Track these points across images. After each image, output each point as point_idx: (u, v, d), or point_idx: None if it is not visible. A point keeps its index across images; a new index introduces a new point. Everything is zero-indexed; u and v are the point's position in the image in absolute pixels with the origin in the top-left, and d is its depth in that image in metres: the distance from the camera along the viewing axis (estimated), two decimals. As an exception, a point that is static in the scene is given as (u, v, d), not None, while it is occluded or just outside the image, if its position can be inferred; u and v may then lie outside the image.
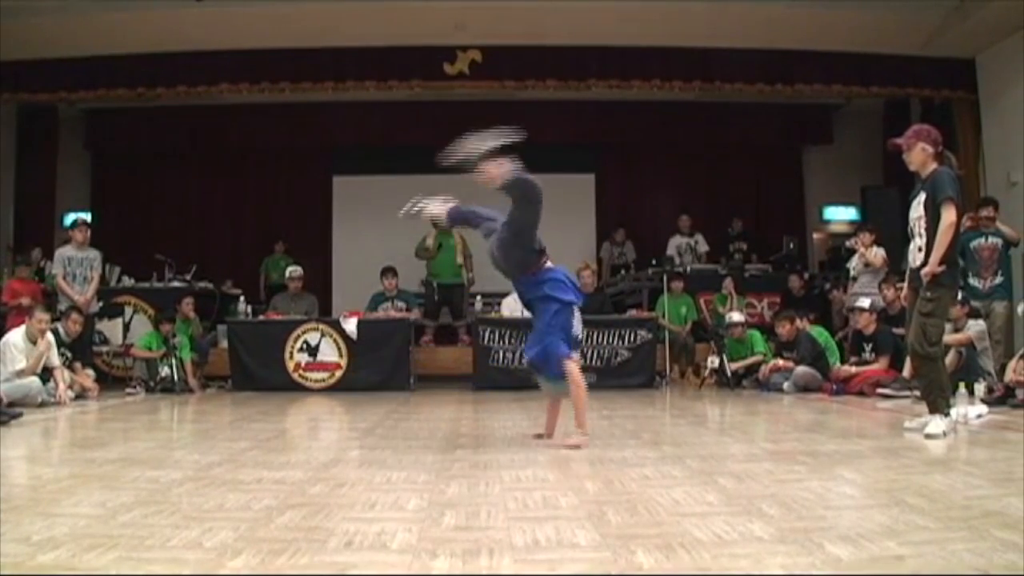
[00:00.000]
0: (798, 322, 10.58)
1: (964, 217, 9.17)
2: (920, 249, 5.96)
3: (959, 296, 5.80)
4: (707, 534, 2.92)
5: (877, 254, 10.64)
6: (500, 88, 13.10)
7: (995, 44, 12.19)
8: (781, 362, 10.34)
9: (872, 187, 14.78)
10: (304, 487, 3.91)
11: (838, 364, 10.01)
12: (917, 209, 5.99)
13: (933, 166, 5.94)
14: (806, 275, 13.42)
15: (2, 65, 12.16)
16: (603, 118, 15.46)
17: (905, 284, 6.28)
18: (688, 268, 13.53)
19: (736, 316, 11.42)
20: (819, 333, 10.60)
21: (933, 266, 5.71)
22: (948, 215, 5.70)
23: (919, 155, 6.00)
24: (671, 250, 14.27)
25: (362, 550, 2.78)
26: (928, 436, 5.59)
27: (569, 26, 11.96)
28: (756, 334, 11.22)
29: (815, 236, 16.32)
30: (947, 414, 5.78)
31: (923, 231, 5.93)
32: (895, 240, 13.04)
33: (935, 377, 5.89)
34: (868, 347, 9.66)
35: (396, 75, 12.71)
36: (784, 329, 10.60)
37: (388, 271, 12.13)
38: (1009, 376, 7.84)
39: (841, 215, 16.15)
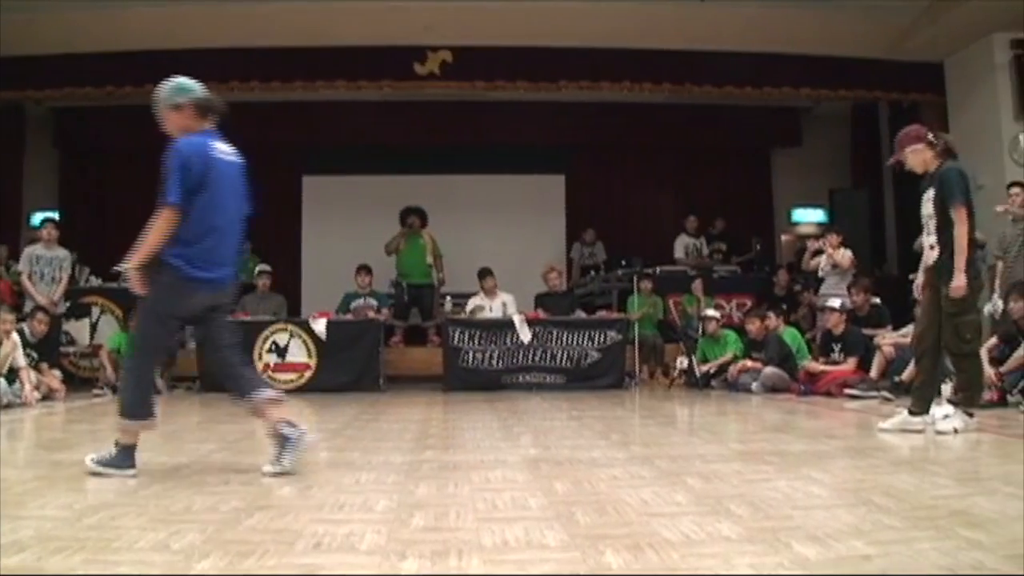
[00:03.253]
0: (770, 321, 10.64)
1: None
2: (932, 247, 5.99)
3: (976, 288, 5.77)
4: (676, 534, 2.93)
5: (845, 255, 10.71)
6: (471, 89, 13.10)
7: (963, 48, 12.32)
8: (749, 363, 10.40)
9: (840, 189, 14.91)
10: (272, 489, 3.90)
11: (807, 362, 10.06)
12: (927, 206, 6.04)
13: (937, 162, 5.96)
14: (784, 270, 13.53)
15: (-33, 63, 12.05)
16: (574, 119, 15.47)
17: (921, 278, 6.31)
18: (691, 270, 13.62)
19: (711, 311, 11.45)
20: (792, 335, 10.66)
21: (959, 280, 5.67)
22: (961, 222, 5.68)
23: (914, 158, 6.06)
24: (679, 251, 14.33)
25: (331, 551, 2.77)
26: (940, 432, 5.66)
27: (540, 27, 11.96)
28: (731, 333, 11.25)
29: (783, 238, 16.41)
30: (971, 414, 5.81)
31: (933, 229, 5.97)
32: (863, 242, 13.21)
33: (974, 373, 5.94)
34: (837, 347, 9.73)
35: (366, 75, 12.68)
36: (754, 326, 10.66)
37: (363, 268, 12.12)
38: (985, 369, 7.87)
39: (809, 217, 16.24)
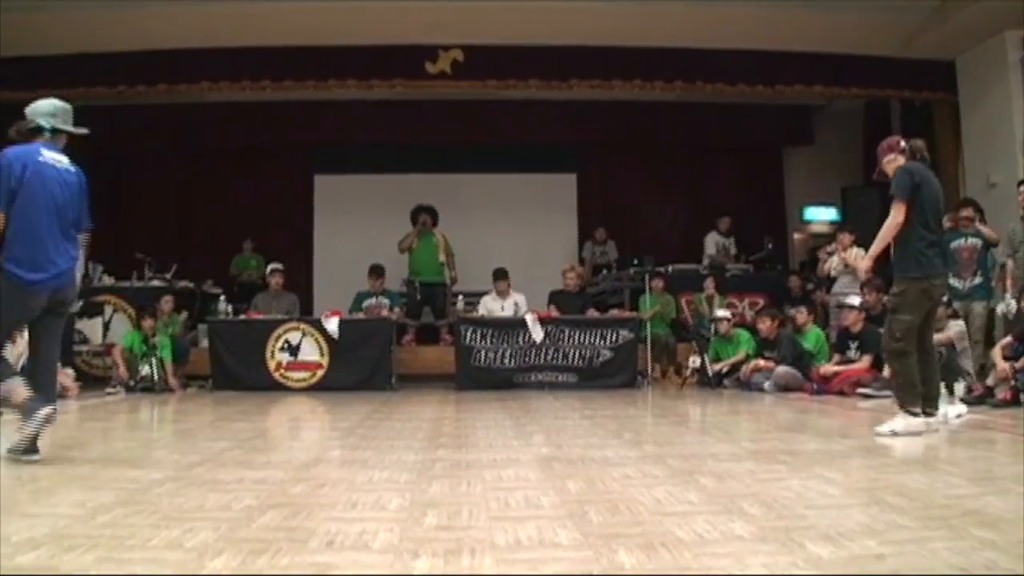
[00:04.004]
0: (800, 316, 10.61)
1: (945, 218, 9.26)
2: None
3: (927, 287, 5.87)
4: (688, 533, 2.92)
5: (857, 256, 10.68)
6: (482, 88, 13.11)
7: (975, 46, 12.27)
8: (762, 362, 10.38)
9: (852, 187, 14.85)
10: (285, 487, 3.90)
11: (822, 364, 10.03)
12: None
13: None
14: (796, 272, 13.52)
15: (-26, 63, 12.10)
16: (585, 118, 15.47)
17: None
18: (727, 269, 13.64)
19: (722, 312, 11.43)
20: (816, 336, 10.62)
21: (868, 259, 6.06)
22: (893, 212, 5.90)
23: (891, 167, 6.19)
24: (710, 248, 14.33)
25: (343, 550, 2.77)
26: (878, 434, 5.70)
27: (551, 26, 11.95)
28: (743, 332, 11.22)
29: (795, 236, 16.38)
30: (914, 413, 5.82)
31: None
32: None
33: (903, 372, 5.99)
34: (854, 345, 9.70)
35: (378, 74, 12.69)
36: (765, 325, 10.64)
37: (375, 270, 12.14)
38: (999, 364, 7.86)
39: (821, 215, 16.19)
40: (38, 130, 5.23)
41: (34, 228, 4.89)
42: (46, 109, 5.31)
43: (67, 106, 5.43)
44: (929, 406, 5.93)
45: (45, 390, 4.91)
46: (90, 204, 5.44)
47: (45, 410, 4.68)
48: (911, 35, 12.21)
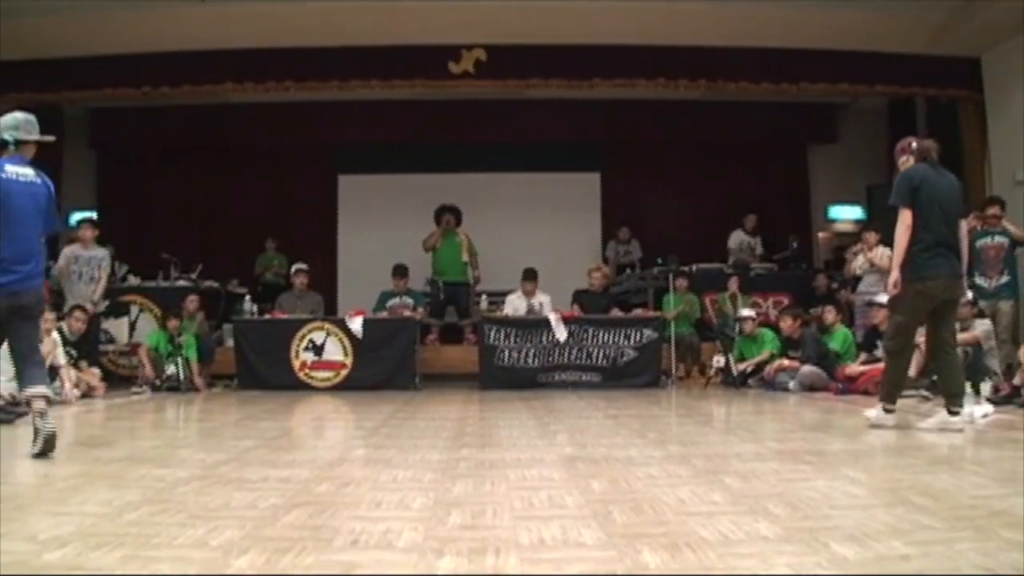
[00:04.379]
0: (829, 315, 10.56)
1: (971, 216, 9.24)
2: None
3: (921, 288, 6.01)
4: (713, 533, 2.92)
5: (883, 255, 10.62)
6: (505, 87, 13.14)
7: (1001, 43, 12.17)
8: (787, 362, 10.34)
9: (877, 186, 14.74)
10: (310, 486, 3.92)
11: (850, 364, 9.97)
12: None
13: None
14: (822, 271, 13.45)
15: (7, 64, 12.17)
16: (608, 117, 15.47)
17: None
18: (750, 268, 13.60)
19: (747, 311, 11.39)
20: (843, 336, 10.55)
21: (893, 276, 6.10)
22: (899, 220, 6.05)
23: (904, 168, 6.31)
24: (733, 244, 14.28)
25: (368, 549, 2.78)
26: (867, 418, 6.22)
27: (574, 25, 11.95)
28: (768, 332, 11.16)
29: (820, 235, 16.31)
30: (889, 410, 6.15)
31: None
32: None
33: (891, 371, 6.30)
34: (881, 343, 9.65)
35: (401, 74, 12.73)
36: (786, 324, 10.60)
37: (398, 270, 12.17)
38: None
39: (846, 214, 16.12)
40: (2, 144, 5.45)
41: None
42: (8, 123, 5.51)
43: (30, 117, 5.64)
44: (952, 404, 5.95)
45: (36, 379, 5.22)
46: (57, 208, 5.70)
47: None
48: (936, 32, 12.12)
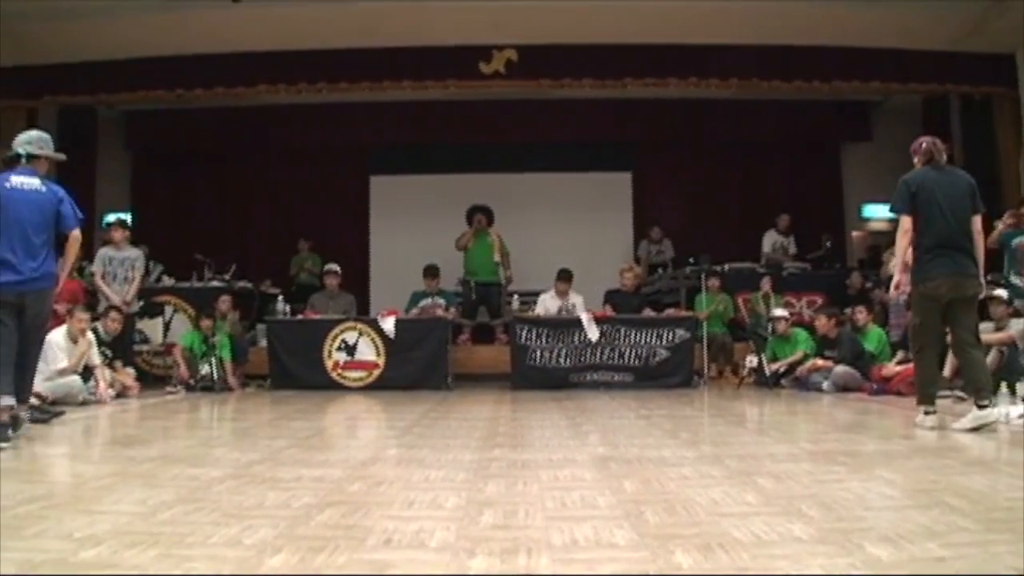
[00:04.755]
0: (860, 315, 10.49)
1: (1006, 214, 9.15)
2: None
3: (924, 290, 6.10)
4: (746, 534, 2.91)
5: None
6: (536, 87, 13.13)
7: (1036, 38, 12.05)
8: (820, 362, 10.27)
9: (912, 184, 14.61)
10: (343, 485, 3.94)
11: (886, 364, 9.89)
12: None
13: None
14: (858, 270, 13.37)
15: (42, 68, 12.33)
16: (640, 116, 15.43)
17: None
18: (786, 269, 13.55)
19: (780, 311, 11.33)
20: (877, 336, 10.48)
21: (898, 273, 6.43)
22: (899, 226, 6.35)
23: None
24: (767, 246, 14.22)
25: (400, 548, 2.79)
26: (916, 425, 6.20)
27: (605, 24, 11.93)
28: (801, 332, 11.10)
29: (854, 234, 16.19)
30: (929, 412, 6.19)
31: None
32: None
33: (919, 371, 6.42)
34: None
35: (432, 75, 12.77)
36: (821, 323, 10.51)
37: (430, 269, 12.18)
38: None
39: (880, 213, 15.98)
40: (16, 158, 6.07)
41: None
42: (23, 138, 6.15)
43: (44, 135, 6.27)
44: (980, 398, 5.95)
45: (23, 390, 5.81)
46: (73, 208, 6.24)
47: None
48: (970, 29, 12.01)
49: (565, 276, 11.75)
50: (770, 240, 14.22)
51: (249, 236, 16.02)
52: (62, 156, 6.39)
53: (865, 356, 10.06)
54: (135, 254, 10.92)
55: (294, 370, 10.96)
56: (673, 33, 12.24)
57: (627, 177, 16.48)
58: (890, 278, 11.02)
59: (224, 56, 12.49)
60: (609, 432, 6.20)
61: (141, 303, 11.36)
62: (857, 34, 12.19)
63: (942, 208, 6.07)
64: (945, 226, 6.05)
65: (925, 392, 6.25)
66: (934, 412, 6.17)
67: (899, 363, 9.57)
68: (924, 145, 6.46)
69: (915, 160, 6.48)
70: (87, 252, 12.43)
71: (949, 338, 6.56)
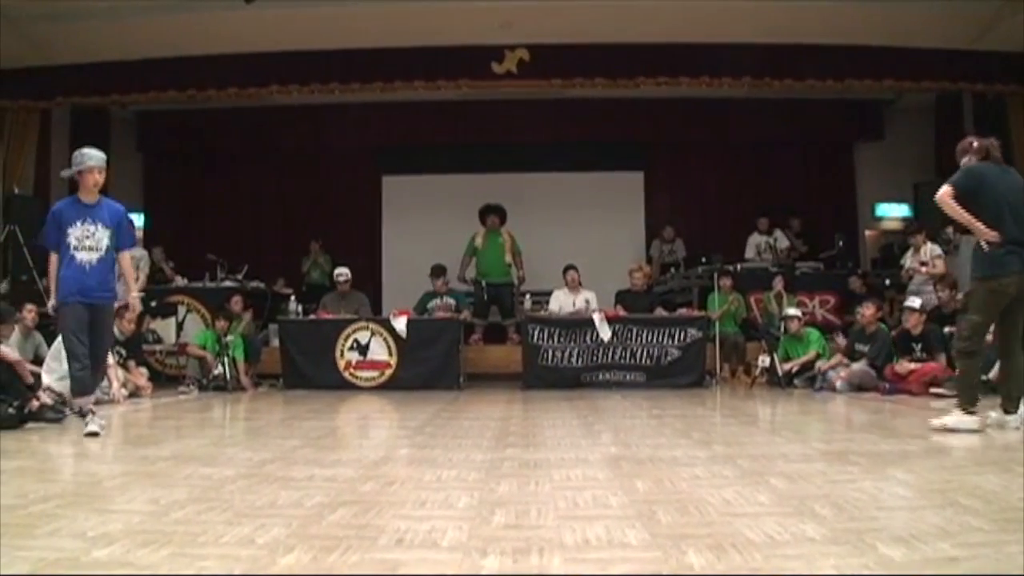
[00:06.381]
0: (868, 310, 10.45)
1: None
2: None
3: (994, 287, 5.92)
4: (759, 534, 2.90)
5: (932, 254, 10.54)
6: (548, 87, 13.11)
7: (1049, 37, 11.98)
8: (835, 359, 10.27)
9: (925, 183, 14.54)
10: (355, 485, 3.94)
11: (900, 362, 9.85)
12: None
13: None
14: (859, 271, 13.30)
15: (55, 69, 12.37)
16: (652, 116, 15.43)
17: None
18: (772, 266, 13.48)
19: (793, 310, 11.29)
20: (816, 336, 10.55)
21: (979, 233, 5.97)
22: (943, 197, 6.04)
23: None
24: (750, 251, 14.17)
25: (412, 548, 2.79)
26: (932, 428, 5.93)
27: (617, 24, 11.92)
28: (813, 331, 11.08)
29: (867, 233, 16.14)
30: (970, 412, 5.92)
31: None
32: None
33: (966, 372, 6.15)
34: (917, 347, 9.55)
35: (444, 75, 12.77)
36: (869, 312, 10.31)
37: (436, 269, 12.17)
38: None
39: (893, 212, 15.95)
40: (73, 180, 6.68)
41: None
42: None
43: (75, 153, 6.78)
44: (1010, 405, 5.86)
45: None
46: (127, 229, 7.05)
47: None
48: (983, 27, 11.95)
49: (570, 266, 11.78)
50: (753, 243, 14.20)
51: (261, 236, 16.05)
52: (64, 174, 6.86)
53: (892, 356, 9.97)
54: (139, 254, 10.93)
55: (306, 370, 10.98)
56: (685, 32, 12.22)
57: (639, 177, 16.46)
58: (909, 278, 11.03)
59: (236, 56, 12.51)
60: (621, 432, 6.20)
61: (154, 303, 11.39)
62: (870, 33, 12.14)
63: (1011, 205, 5.95)
64: (1014, 223, 5.93)
65: (972, 393, 6.01)
66: (975, 413, 5.95)
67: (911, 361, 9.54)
68: (977, 143, 6.29)
69: (963, 159, 6.28)
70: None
71: (993, 337, 6.41)
